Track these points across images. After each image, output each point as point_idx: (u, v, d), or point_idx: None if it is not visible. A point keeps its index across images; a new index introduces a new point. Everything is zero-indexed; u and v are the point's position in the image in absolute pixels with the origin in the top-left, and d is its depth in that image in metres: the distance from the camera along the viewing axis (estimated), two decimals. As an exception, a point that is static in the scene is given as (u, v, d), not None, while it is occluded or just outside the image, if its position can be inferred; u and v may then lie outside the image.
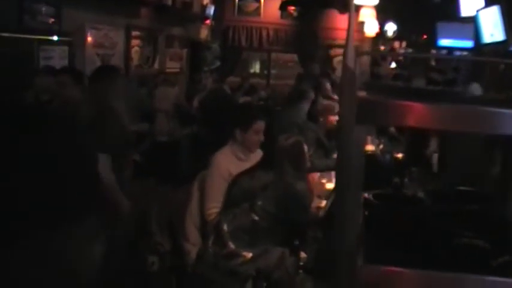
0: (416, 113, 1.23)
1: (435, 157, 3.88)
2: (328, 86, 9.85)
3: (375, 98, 1.24)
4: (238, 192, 3.73)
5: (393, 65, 11.20)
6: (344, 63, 1.15)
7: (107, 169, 3.88)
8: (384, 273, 1.36)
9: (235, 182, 3.83)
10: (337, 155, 1.30)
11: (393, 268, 1.36)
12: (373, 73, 11.19)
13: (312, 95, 7.58)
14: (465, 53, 10.27)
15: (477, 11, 9.41)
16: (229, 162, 4.19)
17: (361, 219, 1.45)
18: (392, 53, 11.93)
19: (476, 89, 5.03)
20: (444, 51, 10.54)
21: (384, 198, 1.64)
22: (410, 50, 12.48)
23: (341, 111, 1.28)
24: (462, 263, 1.39)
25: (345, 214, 1.27)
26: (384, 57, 10.95)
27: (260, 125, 4.27)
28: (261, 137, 4.27)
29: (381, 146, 4.87)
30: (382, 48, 12.75)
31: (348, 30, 1.28)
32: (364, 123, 1.25)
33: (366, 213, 1.53)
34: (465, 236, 1.42)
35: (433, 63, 10.65)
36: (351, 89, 1.22)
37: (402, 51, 11.95)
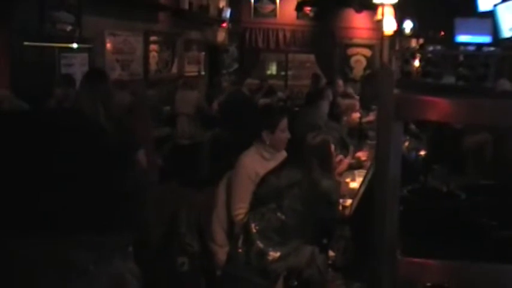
0: (453, 109, 1.26)
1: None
2: (340, 82, 9.87)
3: (411, 95, 1.27)
4: (265, 192, 3.76)
5: (416, 62, 11.16)
6: (381, 61, 1.18)
7: None
8: (423, 265, 1.39)
9: (262, 181, 3.86)
10: (376, 151, 1.33)
11: (432, 261, 1.38)
12: (403, 71, 11.16)
13: (330, 94, 7.61)
14: (492, 48, 10.21)
15: (495, 5, 9.36)
16: (256, 163, 4.22)
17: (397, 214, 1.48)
18: (422, 51, 11.88)
19: (504, 84, 5.01)
20: (472, 47, 10.49)
21: (418, 193, 1.67)
22: (432, 47, 12.44)
23: (379, 108, 1.31)
24: (500, 255, 1.41)
25: (385, 209, 1.30)
26: (413, 55, 10.95)
27: (285, 122, 4.32)
28: (288, 134, 4.31)
29: (407, 143, 4.88)
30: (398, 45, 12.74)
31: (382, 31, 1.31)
32: (401, 119, 1.28)
33: (402, 208, 1.56)
34: (502, 229, 1.45)
35: (461, 59, 10.60)
36: (389, 86, 1.26)
37: (431, 48, 11.93)
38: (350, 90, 9.29)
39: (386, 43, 9.52)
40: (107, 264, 1.12)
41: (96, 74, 5.50)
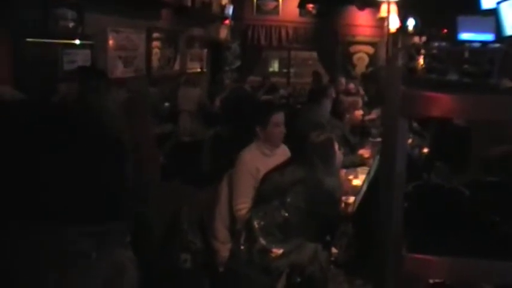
0: (459, 104, 1.26)
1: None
2: (343, 81, 9.87)
3: (417, 91, 1.27)
4: (268, 189, 3.76)
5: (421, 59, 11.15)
6: (388, 58, 1.18)
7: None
8: (428, 261, 1.39)
9: (265, 178, 3.87)
10: (382, 147, 1.33)
11: (437, 257, 1.38)
12: (407, 67, 11.14)
13: (333, 91, 7.61)
14: (498, 45, 10.16)
15: (498, 3, 9.32)
16: (256, 159, 4.24)
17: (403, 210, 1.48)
18: (427, 47, 11.89)
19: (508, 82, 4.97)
20: (478, 44, 10.45)
21: (422, 189, 1.66)
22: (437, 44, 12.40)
23: (386, 104, 1.31)
24: (504, 251, 1.41)
25: (391, 205, 1.30)
26: (418, 52, 10.95)
27: (278, 117, 4.34)
28: (283, 129, 4.33)
29: (410, 141, 4.89)
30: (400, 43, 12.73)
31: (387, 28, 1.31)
32: (407, 115, 1.28)
33: (406, 204, 1.56)
34: (507, 225, 1.45)
35: (466, 56, 10.57)
36: (396, 82, 1.26)
37: (436, 44, 11.89)
38: (353, 87, 9.29)
39: (389, 41, 9.50)
40: (108, 251, 1.13)
41: (95, 72, 5.53)
